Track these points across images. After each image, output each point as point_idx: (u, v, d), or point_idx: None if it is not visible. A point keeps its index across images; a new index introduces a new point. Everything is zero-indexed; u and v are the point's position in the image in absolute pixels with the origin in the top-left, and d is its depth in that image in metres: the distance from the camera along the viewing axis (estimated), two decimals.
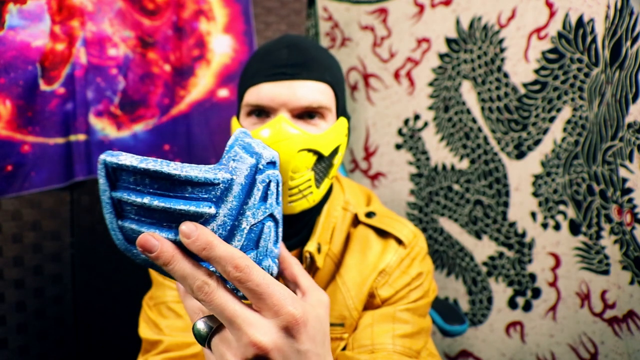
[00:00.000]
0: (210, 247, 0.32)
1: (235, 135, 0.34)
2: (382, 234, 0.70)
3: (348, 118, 0.72)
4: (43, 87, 0.84)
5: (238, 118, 0.70)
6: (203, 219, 0.32)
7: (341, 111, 0.69)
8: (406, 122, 1.00)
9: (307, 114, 0.64)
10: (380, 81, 1.04)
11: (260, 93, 0.63)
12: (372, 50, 1.04)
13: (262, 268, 0.36)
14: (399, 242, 0.69)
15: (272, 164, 0.36)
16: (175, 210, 0.32)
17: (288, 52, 0.64)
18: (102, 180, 0.33)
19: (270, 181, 0.35)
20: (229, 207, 0.33)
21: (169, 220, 0.33)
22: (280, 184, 0.37)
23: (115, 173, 0.33)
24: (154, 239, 0.32)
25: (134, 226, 0.33)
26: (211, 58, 1.01)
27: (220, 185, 0.32)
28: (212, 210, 0.32)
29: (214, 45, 1.01)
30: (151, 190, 0.32)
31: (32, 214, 1.03)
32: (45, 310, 1.05)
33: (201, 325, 0.35)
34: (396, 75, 1.01)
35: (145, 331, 0.68)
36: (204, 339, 0.35)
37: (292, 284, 0.41)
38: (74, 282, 1.09)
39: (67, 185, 0.88)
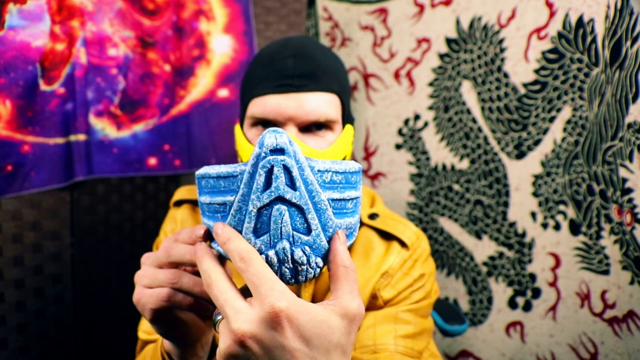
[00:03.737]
0: (229, 241, 0.38)
1: (260, 135, 0.41)
2: (385, 235, 0.70)
3: (353, 120, 0.71)
4: (43, 87, 0.84)
5: (242, 125, 0.69)
6: (227, 207, 0.40)
7: (347, 117, 0.68)
8: (406, 122, 1.00)
9: (314, 126, 0.63)
10: (380, 81, 1.04)
11: (266, 106, 0.62)
12: (372, 50, 1.04)
13: (277, 251, 0.38)
14: (402, 244, 0.69)
15: (278, 150, 0.38)
16: (215, 202, 0.41)
17: (294, 61, 0.62)
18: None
19: (272, 166, 0.37)
20: (241, 193, 0.39)
21: (216, 211, 0.41)
22: (294, 169, 0.37)
23: (199, 182, 0.43)
24: (198, 249, 0.41)
25: (205, 220, 0.43)
26: (211, 58, 1.01)
27: (238, 176, 0.39)
28: (232, 198, 0.40)
29: (214, 45, 1.01)
30: (207, 190, 0.42)
31: (32, 214, 1.03)
32: (45, 310, 1.05)
33: (218, 313, 0.39)
34: (396, 75, 1.01)
35: (146, 325, 0.68)
36: (215, 324, 0.40)
37: (332, 286, 0.39)
38: (74, 282, 1.09)
39: (67, 185, 0.88)
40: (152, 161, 0.97)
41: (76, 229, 1.10)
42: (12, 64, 0.80)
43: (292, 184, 0.38)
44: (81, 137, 0.88)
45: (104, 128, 0.92)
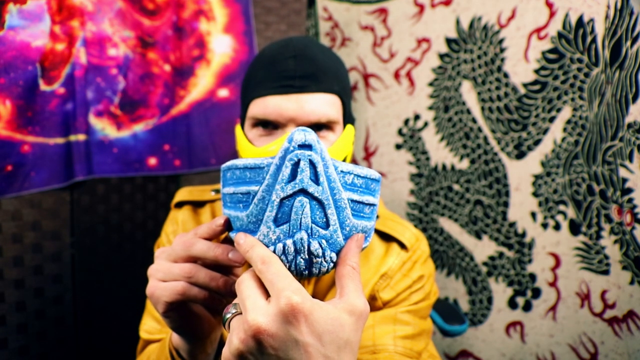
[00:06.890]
0: (252, 249, 0.39)
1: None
2: (385, 237, 0.70)
3: (353, 121, 0.71)
4: (43, 87, 0.84)
5: (242, 126, 0.69)
6: (251, 196, 0.41)
7: (347, 117, 0.68)
8: (406, 122, 1.00)
9: (315, 126, 0.63)
10: (380, 81, 1.04)
11: (268, 107, 0.62)
12: (372, 50, 1.04)
13: (294, 240, 0.40)
14: (402, 245, 0.69)
15: (306, 146, 0.39)
16: (239, 191, 0.42)
17: (295, 62, 0.62)
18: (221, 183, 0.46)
19: (299, 160, 0.39)
20: (266, 184, 0.40)
21: (238, 201, 0.43)
22: (319, 165, 0.39)
23: (224, 174, 0.45)
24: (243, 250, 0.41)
25: (226, 210, 0.45)
26: (211, 58, 1.01)
27: (265, 168, 0.41)
28: (256, 188, 0.41)
29: (214, 45, 1.01)
30: (232, 181, 0.43)
31: (32, 214, 1.03)
32: (45, 310, 1.05)
33: (229, 312, 0.40)
34: (396, 75, 1.01)
35: (148, 325, 0.68)
36: (224, 322, 0.40)
37: (337, 284, 0.40)
38: (74, 282, 1.09)
39: (67, 185, 0.88)
40: (152, 161, 0.97)
41: (76, 229, 1.10)
42: (12, 64, 0.80)
43: (316, 178, 0.40)
44: (81, 137, 0.88)
45: (104, 128, 0.92)
